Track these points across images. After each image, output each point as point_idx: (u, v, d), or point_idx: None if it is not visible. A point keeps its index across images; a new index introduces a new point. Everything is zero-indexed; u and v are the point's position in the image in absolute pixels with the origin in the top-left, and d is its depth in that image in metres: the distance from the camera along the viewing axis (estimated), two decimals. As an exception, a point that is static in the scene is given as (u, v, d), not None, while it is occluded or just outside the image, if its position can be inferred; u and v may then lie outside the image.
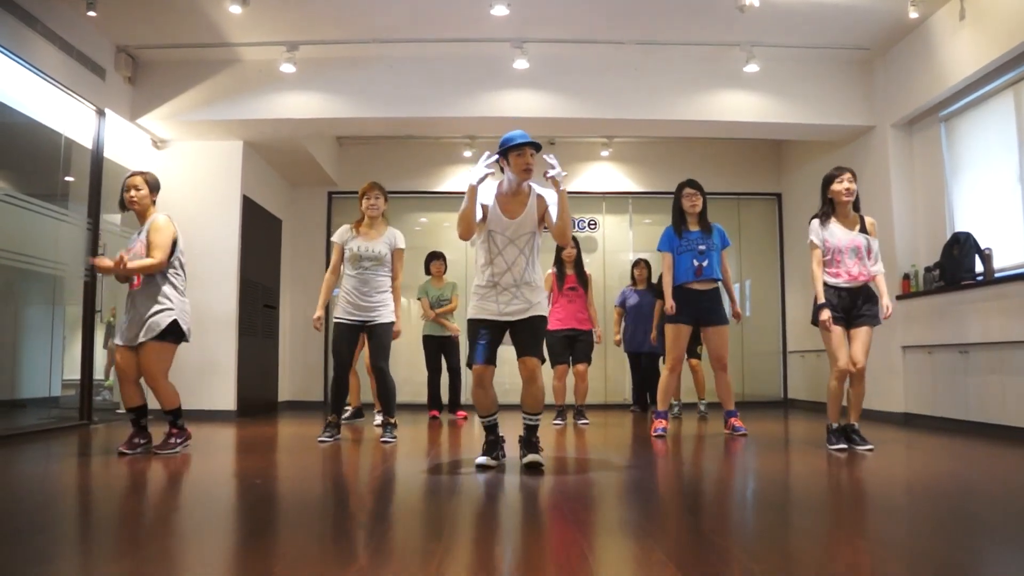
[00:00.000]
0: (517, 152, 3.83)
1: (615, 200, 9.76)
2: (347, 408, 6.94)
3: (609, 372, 9.36)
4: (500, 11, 6.07)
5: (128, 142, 7.12)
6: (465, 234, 3.81)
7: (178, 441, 4.53)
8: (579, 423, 6.55)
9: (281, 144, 7.94)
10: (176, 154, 7.53)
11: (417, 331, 7.34)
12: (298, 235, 9.49)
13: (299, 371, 9.35)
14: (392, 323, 5.18)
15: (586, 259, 6.97)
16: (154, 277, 4.43)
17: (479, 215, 3.83)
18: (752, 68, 6.92)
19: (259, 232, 8.27)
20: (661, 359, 7.11)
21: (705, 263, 5.42)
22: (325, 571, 2.07)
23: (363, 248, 5.11)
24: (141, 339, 4.35)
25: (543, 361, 3.96)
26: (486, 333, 3.87)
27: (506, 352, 4.05)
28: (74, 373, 6.43)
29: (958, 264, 5.99)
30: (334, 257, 5.26)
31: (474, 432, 6.14)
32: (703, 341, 5.71)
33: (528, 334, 3.88)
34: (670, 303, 5.57)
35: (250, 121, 7.26)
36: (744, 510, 3.18)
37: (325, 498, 3.39)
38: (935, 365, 6.17)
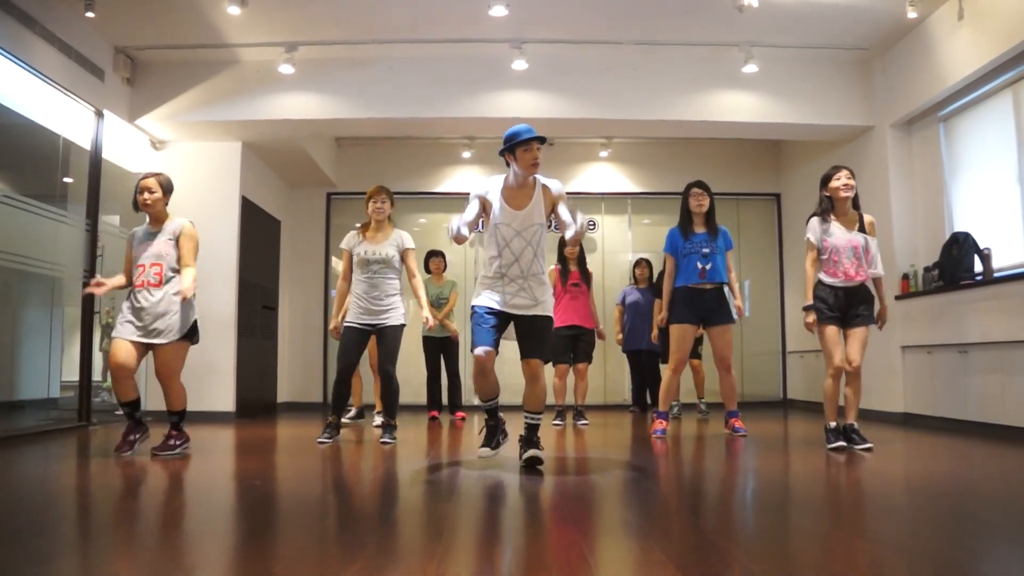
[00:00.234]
0: (524, 147, 3.83)
1: (614, 201, 9.76)
2: (350, 408, 6.94)
3: (609, 372, 9.35)
4: (499, 11, 6.07)
5: (127, 143, 7.11)
6: (459, 242, 3.90)
7: (178, 443, 4.53)
8: (578, 424, 6.55)
9: (280, 145, 7.94)
10: (175, 155, 7.52)
11: (418, 332, 7.33)
12: (297, 236, 9.48)
13: (298, 372, 9.34)
14: (401, 326, 5.19)
15: (586, 257, 6.97)
16: (174, 278, 4.46)
17: (476, 216, 3.91)
18: (751, 68, 6.93)
19: (258, 233, 8.27)
20: (661, 359, 7.11)
21: (709, 266, 5.41)
22: (325, 572, 2.07)
23: (370, 252, 5.12)
24: (165, 340, 4.35)
25: (547, 362, 3.97)
26: (490, 319, 3.86)
27: (507, 350, 4.05)
28: (73, 375, 6.42)
29: (957, 264, 5.99)
30: (344, 264, 5.28)
31: (474, 433, 6.14)
32: (709, 341, 5.69)
33: (533, 335, 3.90)
34: (663, 316, 5.60)
35: (249, 122, 7.25)
36: (744, 510, 3.18)
37: (324, 499, 3.39)
38: (934, 365, 6.17)
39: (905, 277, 6.75)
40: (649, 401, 7.99)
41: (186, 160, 7.52)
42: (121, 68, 6.81)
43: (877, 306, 4.75)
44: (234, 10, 5.92)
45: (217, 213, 7.45)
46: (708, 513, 3.04)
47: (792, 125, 7.43)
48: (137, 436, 4.46)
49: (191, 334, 4.49)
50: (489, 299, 3.90)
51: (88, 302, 6.40)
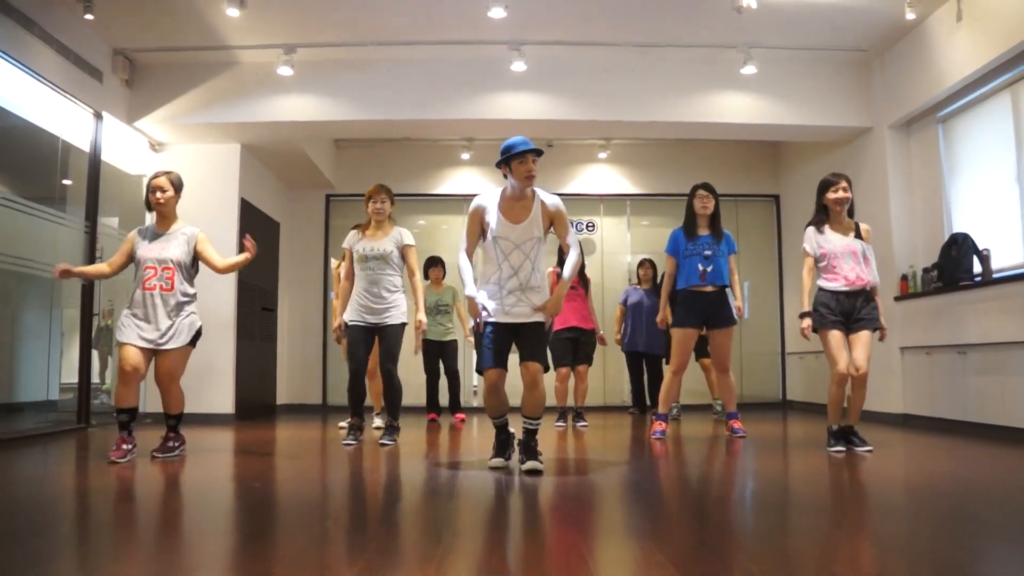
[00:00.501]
0: (519, 160, 3.82)
1: (613, 202, 9.76)
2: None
3: (608, 373, 9.35)
4: (497, 13, 6.07)
5: (126, 145, 7.11)
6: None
7: (175, 445, 4.53)
8: (578, 425, 6.55)
9: (279, 147, 7.94)
10: (174, 157, 7.52)
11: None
12: (296, 238, 9.48)
13: (297, 374, 9.33)
14: (403, 324, 5.17)
15: (585, 261, 6.97)
16: (187, 285, 4.50)
17: (476, 238, 3.99)
18: (749, 70, 6.93)
19: (257, 235, 8.14)
20: (664, 360, 7.11)
21: (710, 268, 5.40)
22: (325, 573, 2.07)
23: (368, 248, 5.11)
24: (173, 344, 4.37)
25: (546, 369, 3.98)
26: (494, 337, 3.89)
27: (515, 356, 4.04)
28: (72, 377, 6.41)
29: (956, 265, 5.99)
30: (346, 263, 5.27)
31: (473, 435, 6.14)
32: (709, 342, 5.68)
33: (532, 339, 3.90)
34: (662, 316, 5.59)
35: (248, 124, 7.25)
36: (743, 511, 3.18)
37: (324, 500, 3.39)
38: (933, 366, 6.17)
39: (904, 278, 6.75)
40: (648, 403, 7.99)
41: (185, 162, 7.49)
42: (120, 70, 6.81)
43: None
44: (233, 12, 5.92)
45: (216, 215, 7.44)
46: (707, 514, 3.04)
47: (791, 126, 7.43)
48: (131, 448, 4.33)
49: (196, 338, 4.51)
50: (491, 313, 3.90)
51: (87, 305, 6.40)
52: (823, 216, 4.77)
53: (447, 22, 6.56)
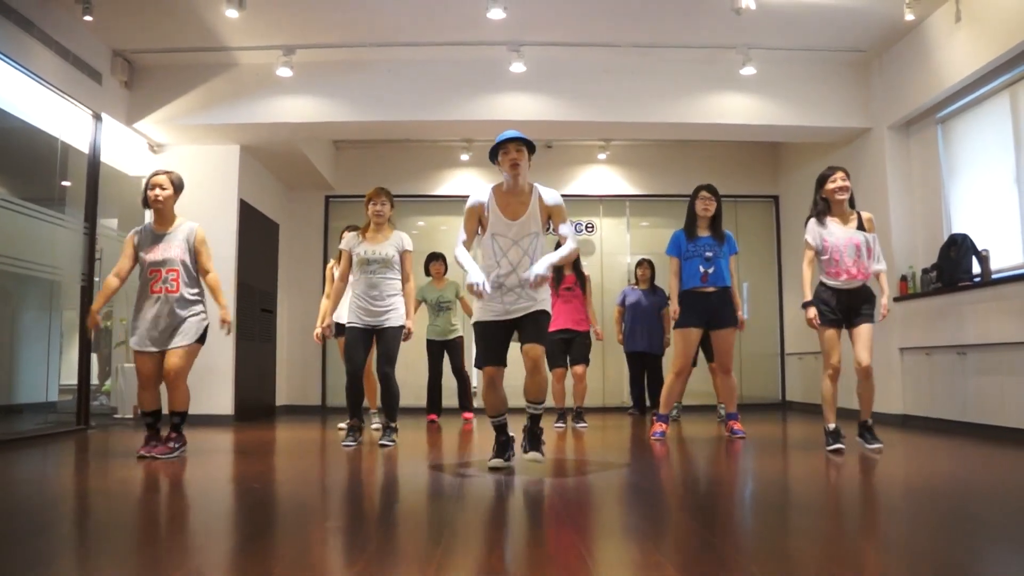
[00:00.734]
0: (503, 150, 3.89)
1: (612, 203, 9.76)
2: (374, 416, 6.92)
3: (608, 374, 9.35)
4: (496, 15, 6.07)
5: (125, 146, 7.11)
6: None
7: (177, 446, 4.53)
8: (577, 426, 6.54)
9: (278, 148, 7.94)
10: (173, 158, 7.51)
11: (419, 335, 7.27)
12: (295, 239, 9.48)
13: (297, 375, 9.33)
14: (401, 327, 5.17)
15: (584, 262, 6.97)
16: (192, 283, 4.52)
17: (473, 233, 4.01)
18: (749, 71, 6.94)
19: (256, 236, 8.26)
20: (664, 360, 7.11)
21: (711, 270, 5.39)
22: (324, 573, 2.07)
23: (370, 252, 5.11)
24: (180, 343, 4.41)
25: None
26: (494, 334, 3.90)
27: (514, 356, 4.04)
28: (71, 378, 6.41)
29: (955, 265, 6.00)
30: (343, 264, 5.26)
31: (475, 436, 6.13)
32: (712, 342, 5.67)
33: (532, 326, 3.91)
34: (675, 307, 5.56)
35: (247, 125, 7.25)
36: (743, 512, 3.18)
37: (324, 501, 3.38)
38: (933, 367, 6.17)
39: (903, 279, 6.75)
40: (648, 403, 7.98)
41: (184, 163, 7.47)
42: (119, 71, 6.81)
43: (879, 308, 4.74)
44: (232, 13, 5.91)
45: (215, 216, 7.43)
46: (707, 514, 3.04)
47: (790, 127, 7.43)
48: (157, 444, 4.50)
49: (203, 336, 4.56)
50: (490, 312, 3.91)
51: (86, 306, 6.38)
52: (824, 207, 4.76)
53: (446, 23, 6.57)
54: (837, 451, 4.52)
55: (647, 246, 9.36)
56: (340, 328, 5.81)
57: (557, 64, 7.18)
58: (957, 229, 6.33)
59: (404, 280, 5.26)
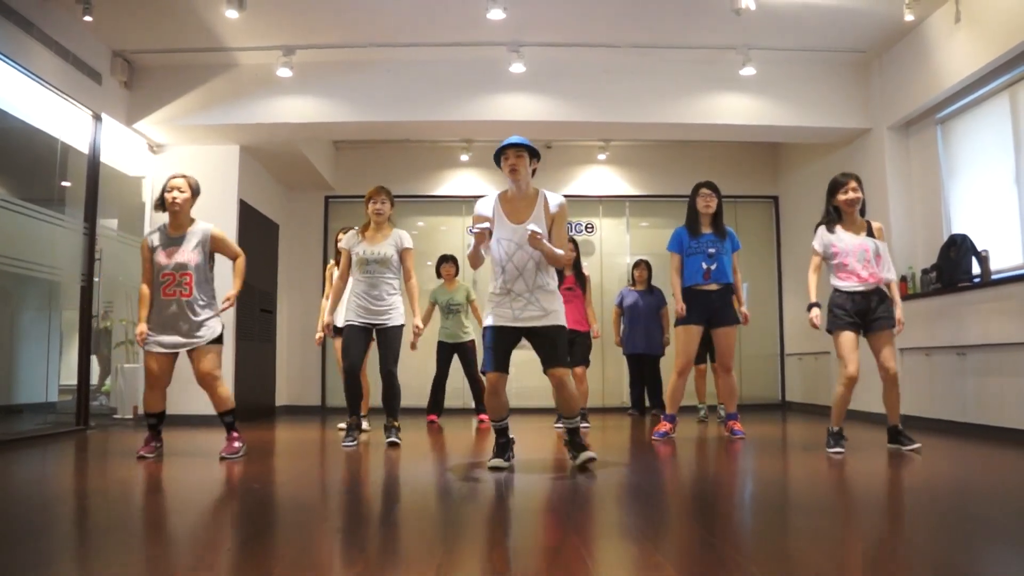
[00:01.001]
0: (503, 156, 3.93)
1: (612, 203, 9.76)
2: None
3: (607, 375, 9.35)
4: (496, 15, 6.07)
5: (124, 147, 7.11)
6: (474, 268, 4.05)
7: (240, 445, 4.59)
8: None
9: (278, 148, 7.94)
10: (173, 158, 7.52)
11: (430, 336, 7.23)
12: (295, 239, 9.48)
13: (296, 375, 9.33)
14: (401, 326, 5.17)
15: (584, 262, 6.97)
16: (205, 286, 4.53)
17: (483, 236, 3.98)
18: (748, 71, 6.94)
19: (256, 237, 8.26)
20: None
21: (714, 266, 5.39)
22: (324, 573, 2.07)
23: (368, 251, 5.10)
24: (199, 345, 4.44)
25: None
26: (500, 340, 3.91)
27: (516, 356, 4.04)
28: (71, 379, 6.41)
29: (955, 266, 6.00)
30: (342, 264, 5.26)
31: (472, 436, 6.13)
32: (713, 341, 5.67)
33: (548, 345, 3.92)
34: (680, 305, 5.54)
35: (247, 126, 7.25)
36: (743, 512, 3.18)
37: (324, 502, 3.38)
38: (933, 367, 6.17)
39: (903, 279, 6.75)
40: (648, 404, 7.98)
41: (184, 164, 7.48)
42: (119, 72, 6.81)
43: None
44: (232, 14, 5.91)
45: (215, 217, 7.30)
46: (707, 515, 3.04)
47: (790, 128, 7.44)
48: (158, 446, 4.55)
49: (221, 336, 4.59)
50: (499, 318, 3.92)
51: (86, 307, 6.39)
52: (834, 216, 4.76)
53: (446, 24, 6.57)
54: (837, 452, 4.52)
55: (647, 246, 9.37)
56: (338, 330, 5.81)
57: (557, 64, 7.18)
58: (957, 230, 6.33)
59: (406, 278, 5.25)
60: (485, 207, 3.99)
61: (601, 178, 9.72)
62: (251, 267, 7.98)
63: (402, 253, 5.20)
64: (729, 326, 5.48)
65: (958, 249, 5.99)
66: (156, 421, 4.54)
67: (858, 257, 4.62)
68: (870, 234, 4.69)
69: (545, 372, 3.94)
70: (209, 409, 6.81)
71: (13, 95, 5.60)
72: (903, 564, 2.19)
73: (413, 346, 5.29)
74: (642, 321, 7.47)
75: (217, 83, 7.17)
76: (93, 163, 6.50)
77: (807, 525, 2.80)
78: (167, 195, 4.51)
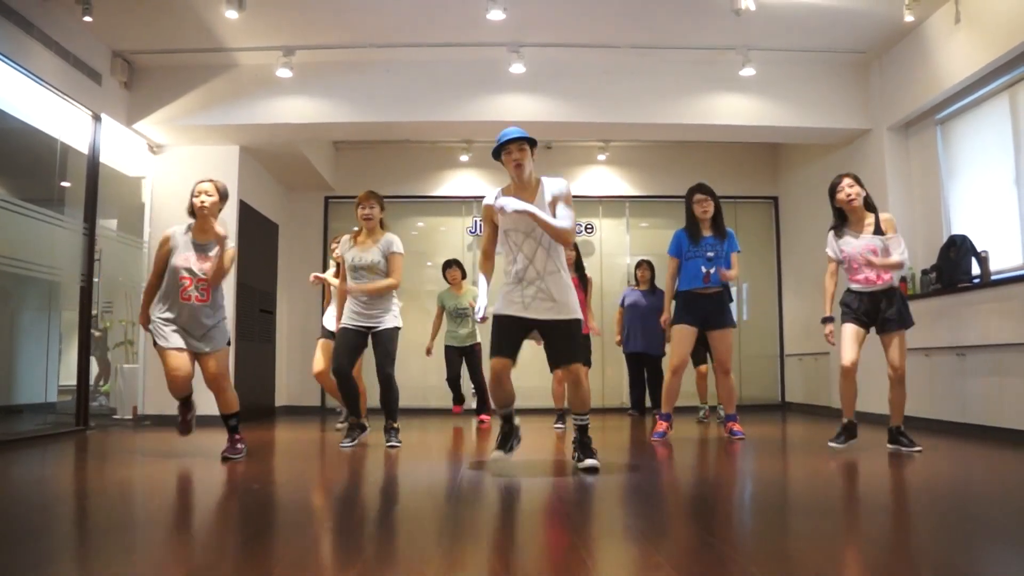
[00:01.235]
0: (505, 151, 3.92)
1: (612, 204, 9.76)
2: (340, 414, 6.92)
3: (607, 375, 9.35)
4: (496, 16, 6.07)
5: (124, 147, 7.11)
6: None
7: (242, 447, 4.60)
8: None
9: (277, 149, 7.94)
10: (172, 159, 7.52)
11: (411, 337, 7.24)
12: (295, 240, 9.48)
13: (296, 376, 9.32)
14: (396, 329, 5.17)
15: (584, 263, 6.96)
16: (217, 293, 4.54)
17: (492, 234, 4.04)
18: (748, 72, 6.94)
19: (256, 237, 8.27)
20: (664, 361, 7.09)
21: (713, 270, 5.39)
22: (323, 574, 2.07)
23: (357, 258, 5.09)
24: (210, 348, 4.47)
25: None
26: (508, 328, 3.88)
27: (525, 351, 4.03)
28: (70, 379, 6.41)
29: (955, 267, 6.00)
30: (340, 270, 5.28)
31: (471, 437, 6.13)
32: (709, 344, 5.67)
33: (560, 341, 3.91)
34: (667, 316, 5.57)
35: (246, 126, 7.25)
36: (743, 513, 3.18)
37: (324, 502, 3.38)
38: (932, 368, 6.17)
39: (903, 280, 6.75)
40: (649, 404, 7.97)
41: (184, 164, 7.51)
42: (119, 72, 6.81)
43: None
44: (232, 14, 5.91)
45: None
46: (707, 516, 3.04)
47: (789, 128, 7.44)
48: (191, 414, 4.68)
49: (229, 338, 4.65)
50: (508, 306, 3.90)
51: (86, 307, 6.39)
52: (840, 220, 4.80)
53: (446, 24, 6.57)
54: (834, 446, 4.54)
55: (647, 247, 9.37)
56: (331, 333, 5.83)
57: (557, 65, 7.18)
58: (956, 230, 6.33)
59: (388, 275, 5.13)
60: (488, 201, 3.98)
61: (601, 178, 9.73)
62: (251, 268, 8.01)
63: (388, 258, 5.13)
64: (724, 328, 5.48)
65: (958, 250, 6.00)
66: (184, 400, 4.61)
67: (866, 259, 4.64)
68: (878, 230, 4.69)
69: (557, 368, 3.91)
70: (210, 410, 6.81)
71: (13, 95, 5.60)
72: (903, 564, 2.19)
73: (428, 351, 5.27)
74: (643, 321, 7.47)
75: (217, 83, 7.17)
76: (93, 163, 6.49)
77: (807, 526, 2.80)
78: (194, 200, 4.45)
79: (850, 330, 4.65)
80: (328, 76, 7.18)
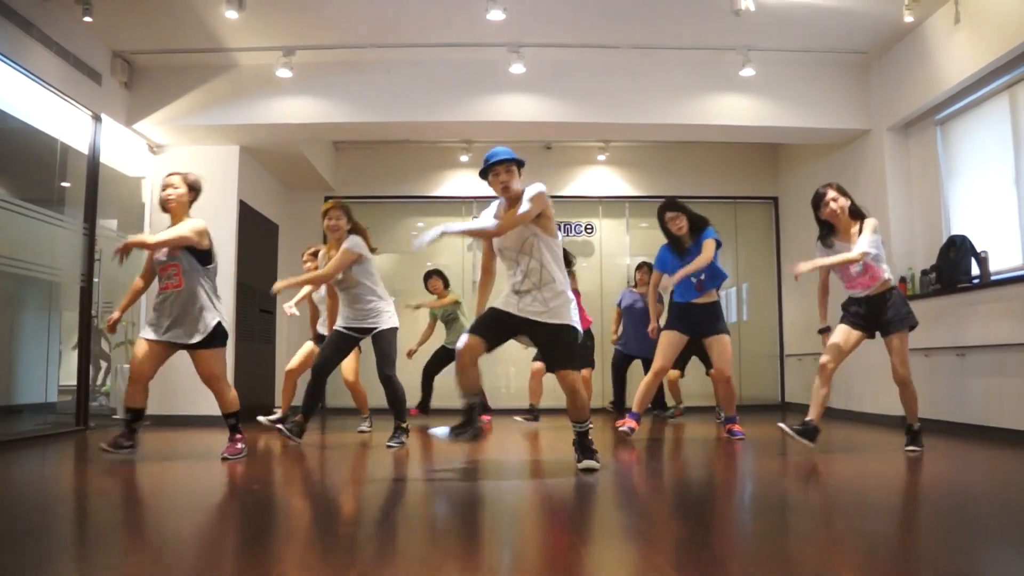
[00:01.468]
0: (492, 172, 3.90)
1: (611, 204, 9.76)
2: (276, 410, 6.94)
3: (607, 376, 9.32)
4: (496, 16, 6.07)
5: (124, 147, 7.11)
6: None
7: (242, 447, 4.57)
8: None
9: (277, 149, 7.94)
10: (172, 159, 7.51)
11: (406, 338, 7.20)
12: (295, 240, 9.46)
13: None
14: (393, 329, 5.16)
15: (583, 263, 6.96)
16: (194, 278, 4.40)
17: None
18: (748, 72, 6.94)
19: (256, 237, 8.26)
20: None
21: (703, 276, 5.41)
22: (323, 574, 2.07)
23: None
24: (194, 341, 4.37)
25: (581, 368, 3.96)
26: (496, 316, 3.85)
27: (504, 352, 4.03)
28: (70, 379, 6.41)
29: (954, 267, 6.00)
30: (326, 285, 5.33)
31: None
32: (707, 352, 5.67)
33: (552, 346, 3.89)
34: (654, 326, 5.60)
35: (246, 126, 7.25)
36: (742, 513, 3.18)
37: (323, 503, 3.38)
38: (932, 368, 6.17)
39: (903, 280, 6.75)
40: (651, 405, 7.95)
41: (184, 164, 7.43)
42: (119, 72, 6.81)
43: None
44: (232, 14, 5.91)
45: (215, 217, 7.33)
46: (706, 516, 3.04)
47: (789, 128, 7.44)
48: (126, 446, 4.43)
49: (216, 337, 4.45)
50: (504, 305, 3.89)
51: (86, 307, 6.39)
52: (827, 231, 4.80)
53: (446, 24, 6.57)
54: (800, 441, 4.55)
55: (646, 247, 9.36)
56: (321, 338, 5.85)
57: (557, 65, 7.18)
58: (956, 230, 6.33)
59: (323, 270, 5.06)
60: (487, 220, 3.98)
61: (601, 179, 9.72)
62: (251, 267, 8.01)
63: (340, 253, 5.02)
64: (719, 335, 5.48)
65: (957, 250, 6.00)
66: (132, 417, 4.43)
67: (855, 266, 4.63)
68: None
69: (556, 374, 3.88)
70: (210, 410, 6.81)
71: (13, 95, 5.60)
72: (903, 564, 2.19)
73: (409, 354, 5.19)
74: (637, 323, 7.44)
75: (217, 83, 7.17)
76: (93, 163, 6.50)
77: (806, 526, 2.81)
78: (161, 193, 4.49)
79: (841, 329, 4.67)
80: (328, 76, 7.19)
